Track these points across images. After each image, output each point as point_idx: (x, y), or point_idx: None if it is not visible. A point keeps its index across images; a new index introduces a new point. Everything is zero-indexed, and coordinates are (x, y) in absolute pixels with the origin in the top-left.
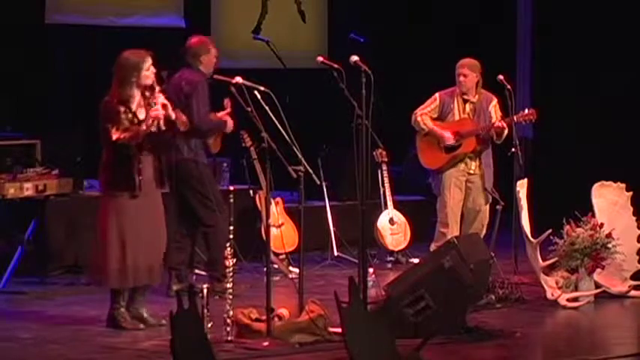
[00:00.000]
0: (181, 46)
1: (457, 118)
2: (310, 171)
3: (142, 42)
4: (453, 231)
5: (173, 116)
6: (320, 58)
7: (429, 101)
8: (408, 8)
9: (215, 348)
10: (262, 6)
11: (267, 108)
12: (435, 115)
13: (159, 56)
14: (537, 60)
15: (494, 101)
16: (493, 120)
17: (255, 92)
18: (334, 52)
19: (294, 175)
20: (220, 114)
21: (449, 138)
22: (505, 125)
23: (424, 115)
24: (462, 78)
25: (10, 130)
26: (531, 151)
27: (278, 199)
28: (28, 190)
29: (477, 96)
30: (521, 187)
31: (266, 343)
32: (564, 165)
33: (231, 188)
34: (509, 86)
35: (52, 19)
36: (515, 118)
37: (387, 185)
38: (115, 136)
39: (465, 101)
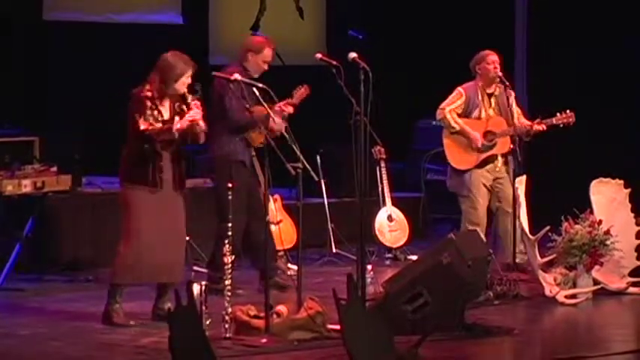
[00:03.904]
0: (179, 43)
1: (484, 113)
2: (309, 168)
3: (140, 39)
4: (482, 230)
5: (203, 126)
6: (318, 55)
7: (454, 96)
8: (406, 5)
9: (213, 345)
10: (261, 3)
11: (265, 105)
12: (460, 111)
13: (157, 53)
14: (535, 56)
15: (513, 94)
16: (515, 115)
17: (254, 89)
18: (333, 48)
19: (293, 172)
20: (279, 104)
21: (480, 141)
22: (545, 128)
23: (453, 112)
24: (493, 66)
25: (9, 127)
26: (530, 148)
27: (276, 196)
28: (26, 187)
29: (497, 89)
30: (520, 184)
31: (264, 340)
32: (563, 162)
33: (230, 185)
34: (507, 83)
35: (50, 15)
36: (554, 121)
37: (385, 182)
38: (143, 126)
39: (490, 96)
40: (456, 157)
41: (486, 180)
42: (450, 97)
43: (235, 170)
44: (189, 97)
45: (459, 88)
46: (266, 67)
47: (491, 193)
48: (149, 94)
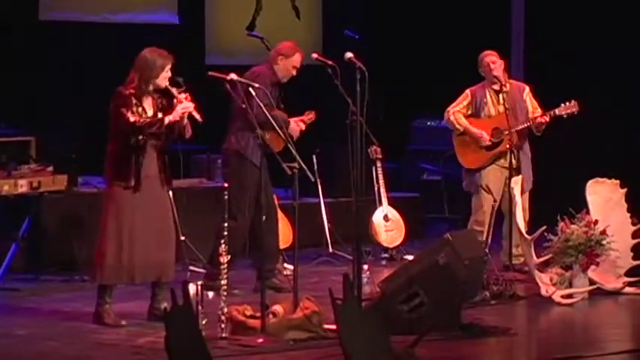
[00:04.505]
0: (175, 43)
1: (492, 110)
2: (305, 168)
3: (137, 39)
4: (488, 230)
5: (199, 118)
6: (315, 55)
7: (460, 98)
8: (402, 6)
9: (210, 345)
10: (257, 2)
11: (261, 105)
12: (470, 112)
13: None
14: (532, 56)
15: (527, 89)
16: (529, 109)
17: (250, 89)
18: (329, 48)
19: (289, 172)
20: (295, 119)
21: (485, 139)
22: (547, 120)
23: (457, 113)
24: (492, 65)
25: (5, 127)
26: (531, 145)
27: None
28: (23, 186)
29: (507, 85)
30: (516, 183)
31: (260, 340)
32: (559, 161)
33: (226, 185)
34: (503, 83)
35: (46, 16)
36: (556, 112)
37: (381, 182)
38: (132, 118)
39: (498, 92)
40: (467, 157)
41: (496, 178)
42: (458, 99)
43: (249, 170)
44: (175, 91)
45: (467, 90)
46: (294, 72)
47: (504, 192)
48: (132, 91)
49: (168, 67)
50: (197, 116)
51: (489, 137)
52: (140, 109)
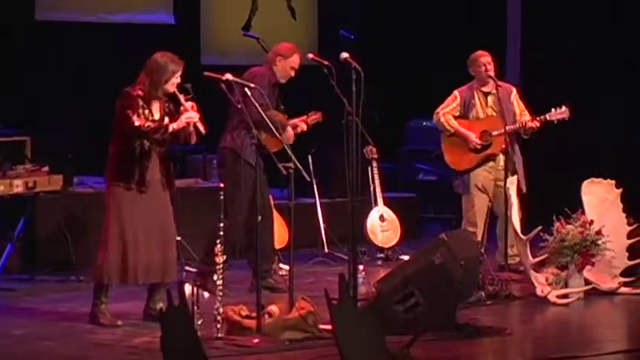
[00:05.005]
0: (171, 42)
1: (480, 112)
2: (300, 168)
3: (132, 39)
4: (481, 230)
5: (202, 129)
6: (310, 55)
7: (449, 99)
8: (397, 6)
9: (205, 345)
10: (252, 2)
11: (257, 104)
12: (458, 113)
13: (149, 53)
14: (527, 56)
15: (514, 91)
16: (517, 112)
17: (246, 89)
18: (324, 48)
19: (285, 172)
20: (295, 120)
21: (475, 141)
22: (538, 125)
23: (447, 115)
24: (489, 66)
25: (0, 127)
26: (521, 147)
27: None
28: (18, 187)
29: (496, 87)
30: (511, 184)
31: (256, 340)
32: (555, 161)
33: (221, 185)
34: (499, 83)
35: (42, 16)
36: (547, 117)
37: (377, 182)
38: (137, 122)
39: (486, 94)
40: (455, 158)
41: (486, 180)
42: (446, 100)
43: (245, 169)
44: (182, 97)
45: (455, 91)
46: (293, 73)
47: (495, 194)
48: (140, 92)
49: (179, 73)
50: (201, 128)
51: (479, 140)
52: (147, 111)
